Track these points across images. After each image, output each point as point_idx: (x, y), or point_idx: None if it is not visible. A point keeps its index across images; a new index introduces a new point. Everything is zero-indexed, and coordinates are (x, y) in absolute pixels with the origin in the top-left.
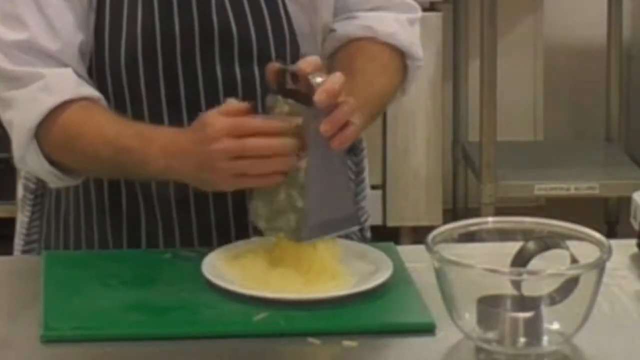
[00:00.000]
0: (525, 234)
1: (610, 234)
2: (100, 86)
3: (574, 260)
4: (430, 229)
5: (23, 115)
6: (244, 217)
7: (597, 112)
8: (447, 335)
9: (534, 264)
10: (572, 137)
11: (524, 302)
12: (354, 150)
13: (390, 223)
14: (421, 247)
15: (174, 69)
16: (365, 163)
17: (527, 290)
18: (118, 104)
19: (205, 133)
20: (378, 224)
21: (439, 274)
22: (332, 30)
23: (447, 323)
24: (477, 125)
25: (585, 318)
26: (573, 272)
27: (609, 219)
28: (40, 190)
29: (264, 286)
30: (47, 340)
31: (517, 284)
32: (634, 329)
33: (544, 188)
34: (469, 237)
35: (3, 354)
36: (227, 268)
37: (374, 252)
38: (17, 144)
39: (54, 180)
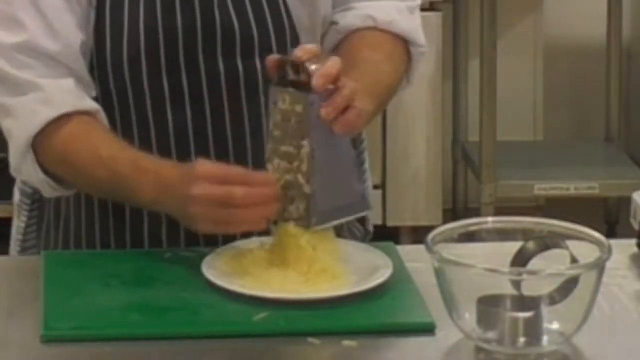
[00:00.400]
0: (525, 234)
1: (610, 234)
2: (102, 82)
3: (574, 260)
4: (430, 229)
5: (22, 126)
6: None
7: (597, 112)
8: (447, 335)
9: (534, 264)
10: (572, 137)
11: (524, 302)
12: (353, 143)
13: (390, 223)
14: (421, 247)
15: (176, 64)
16: (366, 156)
17: (527, 290)
18: (120, 99)
19: (190, 174)
20: (378, 224)
21: (439, 274)
22: (333, 23)
23: (447, 323)
24: (477, 125)
25: (585, 318)
26: (573, 272)
27: (609, 219)
28: (37, 195)
29: (264, 286)
30: (47, 340)
31: (517, 284)
32: (634, 329)
33: (544, 188)
34: (469, 237)
35: (3, 354)
36: (227, 268)
37: (374, 252)
38: (14, 153)
39: (49, 190)
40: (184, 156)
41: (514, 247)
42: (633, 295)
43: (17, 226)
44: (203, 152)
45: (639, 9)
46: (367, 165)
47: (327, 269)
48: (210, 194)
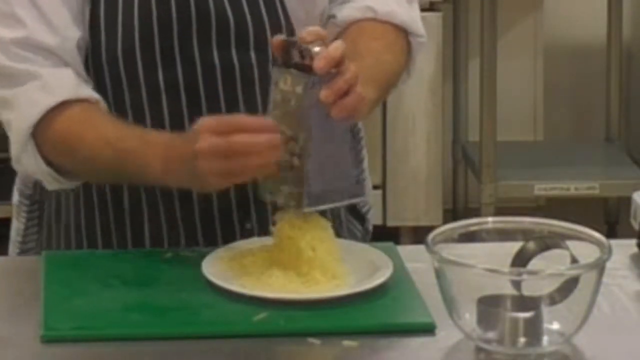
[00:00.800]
0: (525, 234)
1: (610, 234)
2: (97, 74)
3: (574, 260)
4: (430, 229)
5: (21, 115)
6: (247, 210)
7: (597, 112)
8: (447, 335)
9: (534, 264)
10: (572, 137)
11: (524, 302)
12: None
13: (390, 223)
14: (421, 247)
15: (171, 55)
16: (365, 152)
17: (527, 290)
18: (115, 92)
19: (192, 133)
20: (378, 224)
21: (439, 274)
22: (331, 17)
23: (447, 323)
24: (477, 125)
25: (585, 318)
26: (573, 272)
27: (609, 219)
28: (36, 196)
29: (264, 286)
30: (47, 340)
31: (517, 284)
32: (634, 329)
33: (544, 188)
34: (469, 237)
35: (3, 354)
36: (227, 268)
37: (374, 252)
38: (14, 143)
39: (51, 181)
40: None
41: (514, 247)
42: (633, 295)
43: (17, 227)
44: None
45: (639, 9)
46: (365, 164)
47: (327, 269)
48: (212, 146)
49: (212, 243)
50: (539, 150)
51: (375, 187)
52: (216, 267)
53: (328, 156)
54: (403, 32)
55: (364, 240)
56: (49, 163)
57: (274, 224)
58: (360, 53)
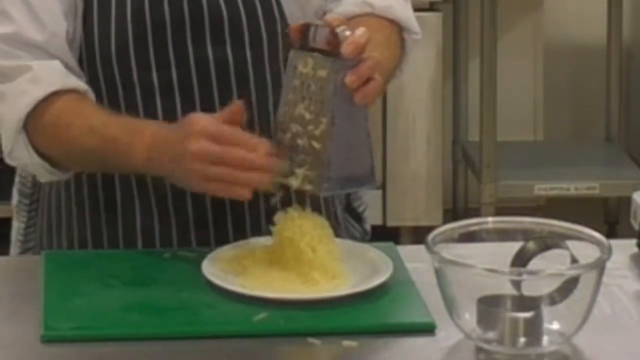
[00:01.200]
0: (525, 234)
1: (610, 234)
2: (91, 73)
3: (574, 260)
4: (430, 229)
5: (12, 108)
6: (240, 207)
7: (597, 112)
8: (447, 335)
9: (534, 264)
10: (572, 137)
11: (524, 302)
12: None
13: (390, 223)
14: (421, 247)
15: (165, 53)
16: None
17: (527, 290)
18: (109, 91)
19: (186, 130)
20: (378, 224)
21: (439, 274)
22: (329, 13)
23: (447, 323)
24: (477, 125)
25: (585, 318)
26: (573, 272)
27: (609, 219)
28: (36, 195)
29: (264, 286)
30: (47, 340)
31: (517, 284)
32: (634, 329)
33: (544, 188)
34: (469, 237)
35: (3, 354)
36: (227, 268)
37: (374, 252)
38: (6, 137)
39: (44, 173)
40: None
41: (514, 247)
42: (633, 295)
43: (17, 227)
44: None
45: (639, 9)
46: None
47: (327, 269)
48: (205, 151)
49: (205, 243)
50: (539, 150)
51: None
52: (216, 267)
53: (349, 141)
54: (398, 27)
55: (363, 240)
56: (41, 155)
57: (273, 224)
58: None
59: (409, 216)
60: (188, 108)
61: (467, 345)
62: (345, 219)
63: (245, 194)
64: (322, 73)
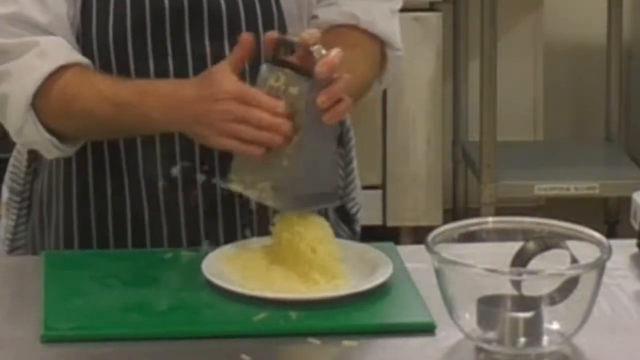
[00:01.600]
0: (525, 234)
1: (610, 234)
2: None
3: (574, 260)
4: (430, 229)
5: (20, 85)
6: (231, 200)
7: (597, 112)
8: (447, 335)
9: (534, 264)
10: (572, 137)
11: (524, 302)
12: (341, 140)
13: (390, 223)
14: (421, 247)
15: (163, 46)
16: (354, 154)
17: (527, 290)
18: None
19: (212, 91)
20: (378, 224)
21: (439, 274)
22: (314, 17)
23: (447, 323)
24: (477, 125)
25: (585, 318)
26: (573, 272)
27: (609, 219)
28: (27, 192)
29: (264, 286)
30: (47, 340)
31: (517, 284)
32: (634, 329)
33: (544, 188)
34: (469, 237)
35: (3, 354)
36: (227, 268)
37: (374, 252)
38: (14, 115)
39: (51, 150)
40: (167, 137)
41: (514, 247)
42: (633, 295)
43: (6, 225)
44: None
45: (639, 9)
46: (354, 164)
47: (327, 269)
48: (232, 111)
49: (195, 243)
50: (539, 150)
51: (375, 187)
52: (216, 267)
53: (316, 159)
54: (380, 43)
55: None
56: (49, 130)
57: (273, 224)
58: None
59: (409, 216)
60: None
61: (467, 345)
62: (336, 223)
63: (256, 152)
64: (294, 90)
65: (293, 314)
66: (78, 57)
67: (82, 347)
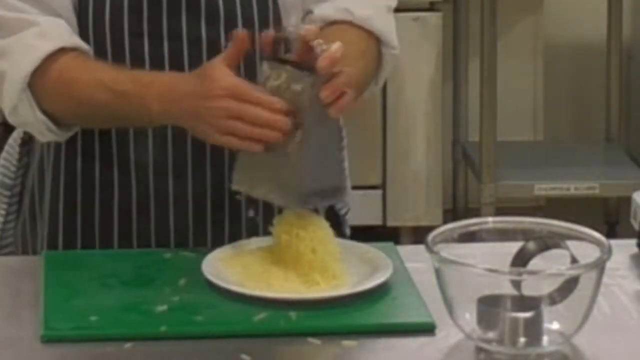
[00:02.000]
0: (525, 234)
1: (610, 234)
2: (82, 39)
3: (574, 260)
4: (430, 229)
5: (17, 63)
6: (221, 187)
7: (597, 112)
8: (447, 335)
9: (534, 264)
10: (572, 137)
11: (524, 302)
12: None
13: (390, 223)
14: (421, 247)
15: (159, 28)
16: (346, 153)
17: (527, 290)
18: (99, 58)
19: (208, 88)
20: (378, 224)
21: (439, 274)
22: (308, 12)
23: (447, 323)
24: (477, 125)
25: (585, 318)
26: (573, 272)
27: (609, 219)
28: (18, 187)
29: (264, 286)
30: (47, 340)
31: (517, 284)
32: (634, 329)
33: (544, 188)
34: (469, 237)
35: (3, 354)
36: (227, 268)
37: (374, 252)
38: (9, 94)
39: (45, 132)
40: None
41: (514, 247)
42: (633, 295)
43: None
44: None
45: (639, 9)
46: (346, 164)
47: (327, 269)
48: (229, 108)
49: (201, 244)
50: (539, 150)
51: (375, 187)
52: (216, 267)
53: (320, 155)
54: (376, 40)
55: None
56: (44, 112)
57: (273, 224)
58: None
59: (409, 216)
60: None
61: (467, 345)
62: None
63: (255, 148)
64: (297, 87)
65: (293, 314)
66: (78, 41)
67: (82, 347)
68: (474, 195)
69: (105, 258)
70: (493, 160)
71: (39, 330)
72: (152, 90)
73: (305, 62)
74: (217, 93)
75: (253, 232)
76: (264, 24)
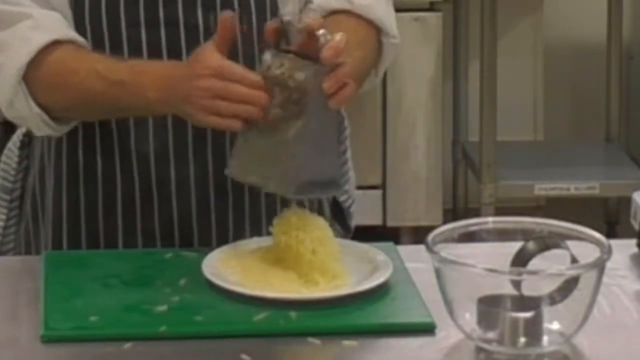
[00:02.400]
0: (525, 234)
1: (610, 234)
2: (79, 30)
3: (574, 260)
4: (430, 229)
5: (12, 55)
6: (223, 173)
7: (597, 112)
8: (447, 335)
9: (534, 264)
10: (572, 137)
11: (524, 302)
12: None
13: (390, 223)
14: (421, 247)
15: (155, 15)
16: (348, 144)
17: (527, 290)
18: (97, 49)
19: (194, 69)
20: (378, 224)
21: (439, 274)
22: (308, 2)
23: (447, 323)
24: (477, 125)
25: (585, 318)
26: (573, 272)
27: (609, 219)
28: (17, 191)
29: (264, 286)
30: (47, 340)
31: (517, 284)
32: (634, 329)
33: (544, 188)
34: (469, 237)
35: (3, 354)
36: (227, 268)
37: (374, 252)
38: (5, 86)
39: (41, 126)
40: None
41: (514, 247)
42: (633, 295)
43: None
44: None
45: (639, 9)
46: (348, 154)
47: (327, 269)
48: (209, 87)
49: (206, 244)
50: (539, 150)
51: (375, 187)
52: (216, 267)
53: (319, 145)
54: (375, 30)
55: (344, 238)
56: (40, 105)
57: (273, 225)
58: None
59: (409, 216)
60: None
61: (467, 345)
62: (330, 219)
63: (234, 126)
64: (300, 76)
65: (293, 314)
66: (73, 34)
67: (82, 347)
68: (474, 195)
69: (105, 258)
70: (493, 160)
71: (39, 330)
72: (147, 77)
73: (308, 52)
74: (202, 73)
75: (256, 221)
76: (260, 11)
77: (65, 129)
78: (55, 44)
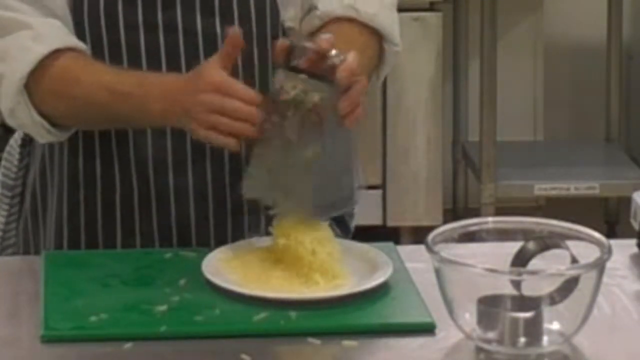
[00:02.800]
0: (525, 234)
1: (610, 234)
2: (78, 33)
3: (574, 260)
4: (430, 229)
5: (14, 65)
6: (221, 182)
7: (597, 112)
8: (447, 335)
9: (534, 264)
10: (572, 137)
11: (524, 302)
12: None
13: (390, 223)
14: (421, 247)
15: (154, 19)
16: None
17: (527, 290)
18: (96, 52)
19: (196, 83)
20: (378, 224)
21: (439, 274)
22: (312, 8)
23: (447, 323)
24: (477, 125)
25: (585, 318)
26: (573, 272)
27: (609, 219)
28: (19, 188)
29: (264, 286)
30: (47, 340)
31: (517, 284)
32: (634, 329)
33: (544, 188)
34: (469, 237)
35: (3, 354)
36: (227, 268)
37: (374, 252)
38: (7, 95)
39: (43, 134)
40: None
41: (514, 247)
42: (633, 295)
43: None
44: None
45: (639, 9)
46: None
47: (327, 269)
48: (210, 101)
49: (204, 239)
50: (539, 150)
51: (375, 187)
52: (216, 267)
53: (336, 166)
54: (378, 36)
55: (344, 237)
56: (41, 114)
57: (273, 225)
58: None
59: (409, 216)
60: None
61: (467, 345)
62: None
63: (231, 144)
64: (315, 98)
65: (293, 314)
66: (74, 41)
67: (82, 347)
68: (474, 195)
69: (105, 258)
70: (493, 160)
71: (39, 330)
72: (152, 90)
73: (319, 70)
74: (202, 88)
75: (255, 225)
76: (260, 17)
77: (66, 135)
78: (56, 53)
